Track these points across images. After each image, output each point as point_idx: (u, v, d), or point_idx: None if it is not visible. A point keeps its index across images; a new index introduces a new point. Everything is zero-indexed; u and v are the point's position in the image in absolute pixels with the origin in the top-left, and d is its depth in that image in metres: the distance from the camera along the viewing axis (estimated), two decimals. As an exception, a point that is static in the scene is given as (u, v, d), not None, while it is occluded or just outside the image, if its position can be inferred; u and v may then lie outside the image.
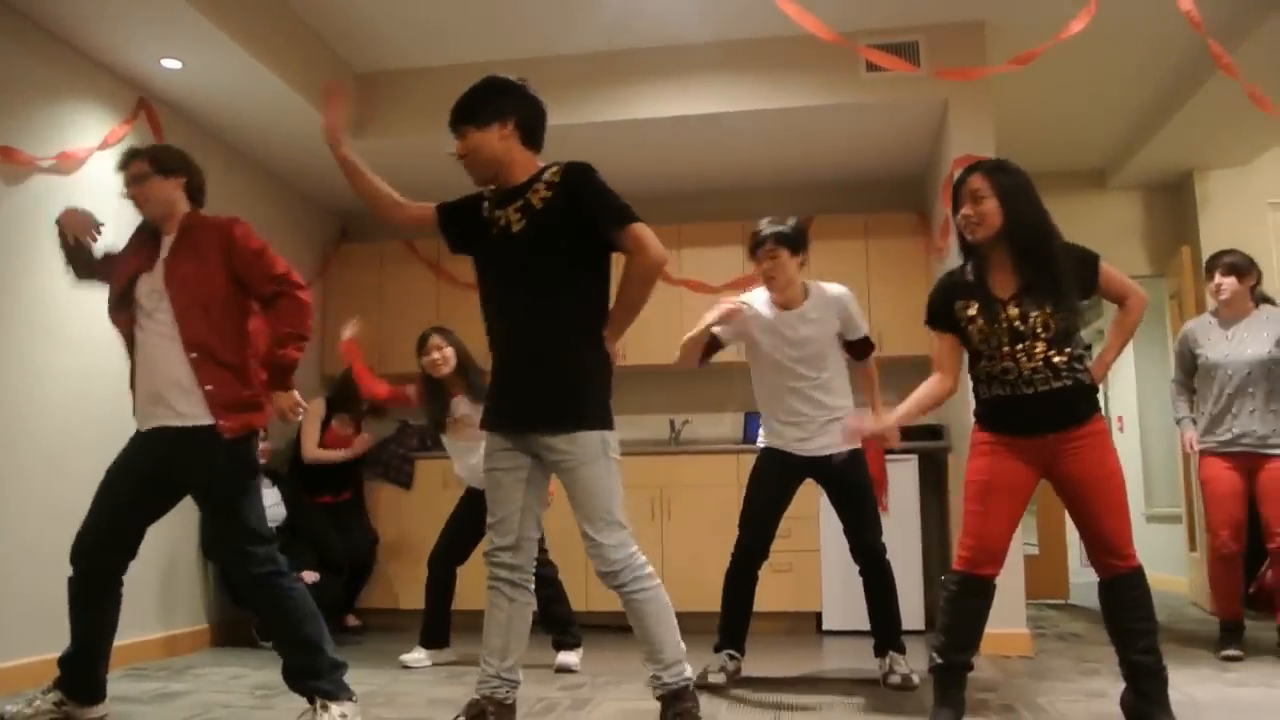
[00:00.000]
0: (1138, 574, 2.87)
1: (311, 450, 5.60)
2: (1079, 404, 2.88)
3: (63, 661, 3.07)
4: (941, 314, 3.07)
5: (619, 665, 4.31)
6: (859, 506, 3.93)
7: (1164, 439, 7.57)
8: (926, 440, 5.72)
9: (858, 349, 4.03)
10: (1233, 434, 4.39)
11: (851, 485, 3.93)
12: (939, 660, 2.94)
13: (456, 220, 2.97)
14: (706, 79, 5.34)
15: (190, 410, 3.01)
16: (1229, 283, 4.46)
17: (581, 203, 2.73)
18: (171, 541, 4.79)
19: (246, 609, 2.99)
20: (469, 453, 4.46)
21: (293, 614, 2.97)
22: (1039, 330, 2.85)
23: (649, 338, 6.31)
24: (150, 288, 3.10)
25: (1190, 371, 4.64)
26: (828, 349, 3.92)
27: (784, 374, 3.92)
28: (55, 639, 3.13)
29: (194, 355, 3.01)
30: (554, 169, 2.81)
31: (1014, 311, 2.87)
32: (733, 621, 4.00)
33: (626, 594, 2.74)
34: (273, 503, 5.21)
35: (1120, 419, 8.64)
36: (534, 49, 5.32)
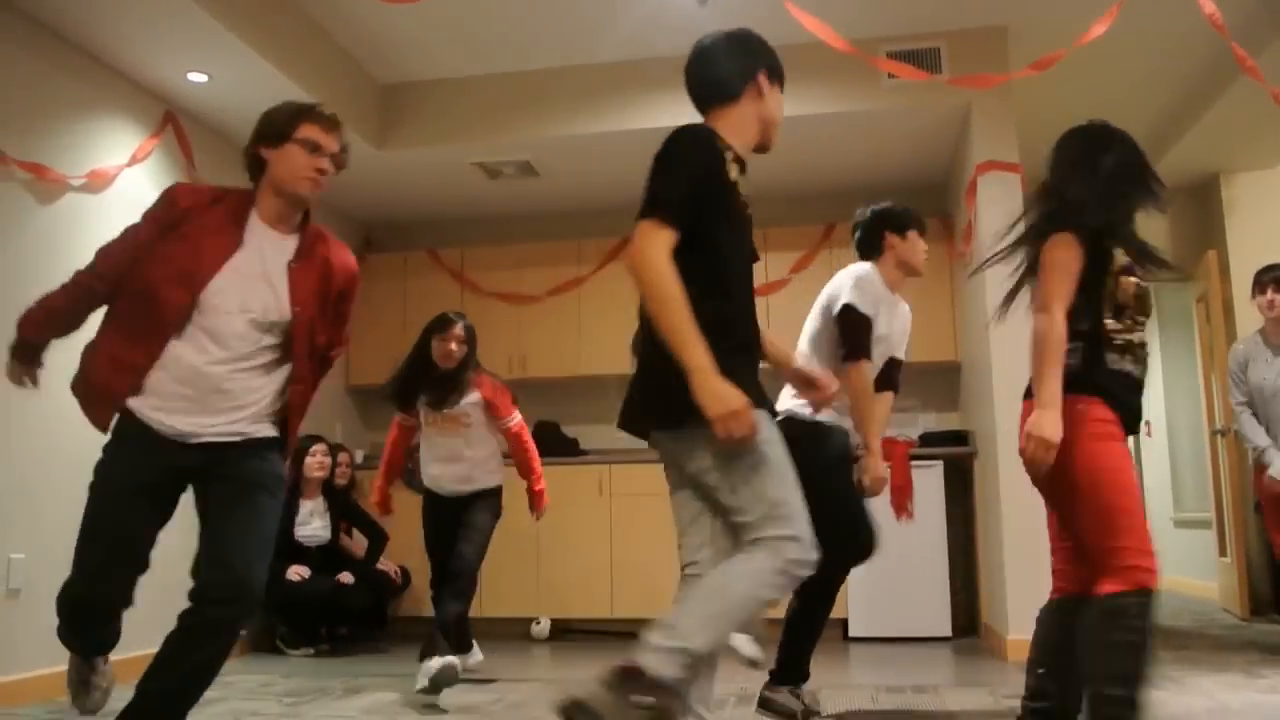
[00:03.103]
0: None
1: None
2: None
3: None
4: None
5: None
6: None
7: (1192, 444, 7.50)
8: (952, 446, 5.69)
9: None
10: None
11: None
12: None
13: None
14: (727, 87, 5.34)
15: (258, 428, 2.50)
16: None
17: None
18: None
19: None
20: (447, 458, 4.16)
21: None
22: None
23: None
24: (240, 301, 2.40)
25: (1248, 392, 4.55)
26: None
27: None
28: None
29: (289, 389, 2.53)
30: None
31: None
32: (794, 650, 3.32)
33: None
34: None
35: (1148, 424, 8.56)
36: (554, 60, 5.34)
